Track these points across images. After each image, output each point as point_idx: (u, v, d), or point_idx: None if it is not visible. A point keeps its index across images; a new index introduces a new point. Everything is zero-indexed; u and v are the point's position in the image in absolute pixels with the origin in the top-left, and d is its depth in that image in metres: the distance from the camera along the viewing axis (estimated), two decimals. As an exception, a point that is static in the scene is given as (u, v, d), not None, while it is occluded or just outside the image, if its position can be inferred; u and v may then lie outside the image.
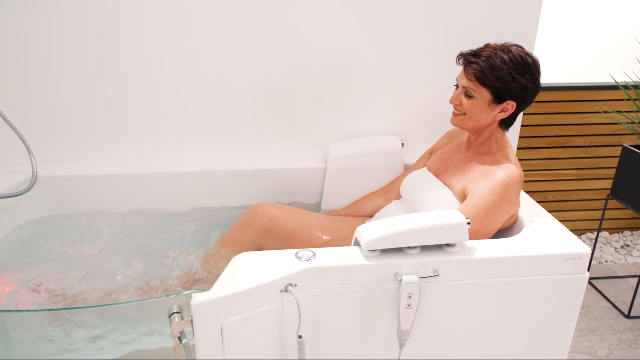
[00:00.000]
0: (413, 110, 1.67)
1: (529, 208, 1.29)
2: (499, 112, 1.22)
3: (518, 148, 2.16)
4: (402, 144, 1.62)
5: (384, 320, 1.08)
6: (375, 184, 1.59)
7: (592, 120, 2.14)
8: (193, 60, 1.54)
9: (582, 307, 1.83)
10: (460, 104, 1.24)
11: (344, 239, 1.41)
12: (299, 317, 0.99)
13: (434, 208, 1.25)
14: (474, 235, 1.17)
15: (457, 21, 1.58)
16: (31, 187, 1.48)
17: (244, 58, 1.56)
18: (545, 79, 2.06)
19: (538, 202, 2.29)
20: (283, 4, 1.50)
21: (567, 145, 2.19)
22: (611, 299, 1.87)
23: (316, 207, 1.65)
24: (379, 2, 1.53)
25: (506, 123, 1.26)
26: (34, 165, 1.50)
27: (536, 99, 2.01)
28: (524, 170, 2.22)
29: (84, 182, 1.56)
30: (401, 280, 1.02)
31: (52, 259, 1.37)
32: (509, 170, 1.18)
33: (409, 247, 1.06)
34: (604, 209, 1.94)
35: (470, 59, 1.20)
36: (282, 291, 0.99)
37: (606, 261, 2.19)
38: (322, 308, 1.05)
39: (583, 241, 2.34)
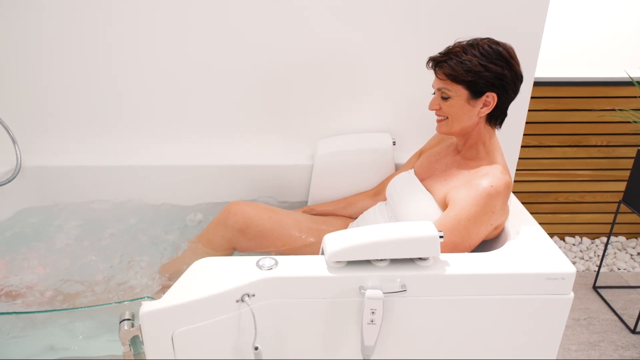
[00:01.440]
0: (406, 107, 1.58)
1: (518, 218, 1.20)
2: (481, 108, 1.14)
3: (527, 146, 2.05)
4: (394, 142, 1.54)
5: (349, 334, 1.03)
6: (364, 183, 1.52)
7: (610, 118, 2.00)
8: (184, 55, 1.50)
9: (584, 319, 1.73)
10: (440, 108, 1.16)
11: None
12: (255, 328, 0.95)
13: (414, 216, 1.18)
14: (454, 247, 1.09)
15: (455, 17, 1.47)
16: (14, 177, 1.48)
17: (235, 53, 1.50)
18: (559, 73, 1.93)
19: (549, 203, 2.18)
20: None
21: (581, 144, 2.06)
22: (618, 311, 1.76)
23: (303, 205, 1.60)
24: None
25: (494, 119, 1.17)
26: (18, 155, 1.50)
27: (548, 95, 1.93)
28: (533, 170, 2.13)
29: (68, 173, 1.55)
30: (365, 294, 0.96)
31: (29, 250, 1.37)
32: (494, 179, 1.09)
33: (377, 259, 1.00)
34: (616, 213, 1.82)
35: (438, 59, 1.14)
36: (238, 301, 0.95)
37: (618, 269, 2.06)
38: (284, 318, 1.01)
39: (597, 246, 2.22)
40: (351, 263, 1.00)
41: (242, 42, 1.49)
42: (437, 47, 1.48)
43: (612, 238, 2.26)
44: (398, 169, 1.55)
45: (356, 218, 1.45)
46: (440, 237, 0.97)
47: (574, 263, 2.09)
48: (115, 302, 0.94)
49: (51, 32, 1.46)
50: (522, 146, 2.04)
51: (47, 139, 1.59)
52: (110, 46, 1.48)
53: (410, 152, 1.53)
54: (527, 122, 1.99)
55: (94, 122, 1.58)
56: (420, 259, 1.01)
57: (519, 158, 2.06)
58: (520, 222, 1.19)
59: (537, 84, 1.92)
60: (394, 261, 1.01)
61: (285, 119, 1.60)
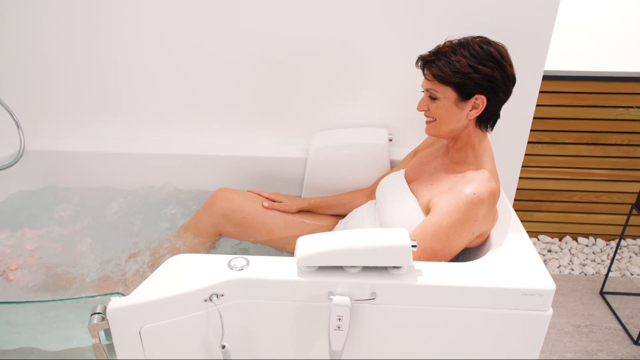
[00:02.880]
0: (405, 104, 1.52)
1: (506, 226, 1.16)
2: (470, 111, 1.09)
3: (540, 142, 1.96)
4: (391, 138, 1.50)
5: (319, 337, 1.03)
6: (358, 178, 1.49)
7: (630, 116, 1.88)
8: (185, 48, 1.51)
9: (585, 326, 1.67)
10: (428, 109, 1.12)
11: (308, 233, 1.35)
12: (222, 328, 0.96)
13: (397, 219, 1.16)
14: (434, 254, 1.07)
15: (457, 12, 1.40)
16: (17, 160, 1.52)
17: (235, 46, 1.49)
18: (575, 66, 1.82)
19: (562, 201, 2.09)
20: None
21: (599, 142, 1.95)
22: (623, 320, 1.69)
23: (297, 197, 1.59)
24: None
25: (485, 122, 1.12)
26: (22, 139, 1.55)
27: (563, 90, 1.83)
28: (546, 167, 2.03)
29: (69, 158, 1.59)
30: (332, 301, 0.95)
31: (26, 230, 1.42)
32: (478, 186, 1.05)
33: (349, 266, 0.98)
34: (629, 216, 1.73)
35: (427, 59, 1.08)
36: (206, 300, 0.96)
37: (631, 274, 1.97)
38: (255, 318, 1.01)
39: (611, 248, 2.13)
40: (322, 268, 0.99)
41: (242, 35, 1.47)
42: (440, 41, 1.43)
43: (630, 241, 2.16)
44: (394, 165, 1.52)
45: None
46: (413, 246, 0.95)
47: (584, 265, 2.01)
48: (86, 297, 0.96)
49: (57, 19, 1.48)
50: (534, 142, 1.96)
51: (50, 125, 1.63)
52: (113, 37, 1.49)
53: (408, 149, 1.49)
54: (540, 118, 1.91)
55: (95, 110, 1.61)
56: (393, 267, 0.99)
57: (531, 154, 1.99)
58: (508, 230, 1.14)
59: (552, 77, 1.82)
60: (366, 268, 0.99)
61: (283, 111, 1.58)
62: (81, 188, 1.60)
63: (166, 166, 1.58)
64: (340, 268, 0.99)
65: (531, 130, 1.94)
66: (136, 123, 1.62)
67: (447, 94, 1.08)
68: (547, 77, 1.82)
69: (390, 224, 1.17)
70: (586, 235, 2.17)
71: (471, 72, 1.04)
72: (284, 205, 1.38)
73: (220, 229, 1.34)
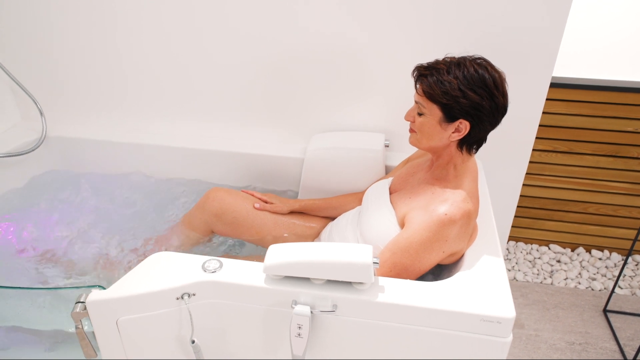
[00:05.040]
0: (405, 110, 1.49)
1: (485, 246, 1.15)
2: (452, 132, 1.08)
3: (554, 151, 1.89)
4: (387, 144, 1.50)
5: (284, 340, 1.08)
6: (352, 181, 1.51)
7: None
8: (195, 48, 1.56)
9: (579, 344, 1.64)
10: (414, 121, 1.11)
11: (297, 234, 1.41)
12: (192, 325, 1.04)
13: (374, 229, 1.18)
14: (404, 269, 1.09)
15: (465, 20, 1.36)
16: (39, 145, 1.64)
17: (241, 45, 1.53)
18: (594, 74, 1.73)
19: (577, 212, 2.03)
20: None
21: (619, 154, 1.86)
22: (621, 341, 1.65)
23: (294, 197, 1.63)
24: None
25: (468, 145, 1.11)
26: (44, 126, 1.66)
27: (581, 99, 1.75)
28: (560, 177, 1.96)
29: (87, 144, 1.70)
30: (293, 309, 1.00)
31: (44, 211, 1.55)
32: (451, 207, 1.05)
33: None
34: (639, 231, 1.65)
35: (421, 72, 1.07)
36: (178, 298, 1.03)
37: (643, 292, 1.90)
38: (225, 318, 1.08)
39: (627, 264, 2.05)
40: (289, 277, 1.03)
41: (250, 37, 1.50)
42: (446, 50, 1.40)
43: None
44: (389, 171, 1.52)
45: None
46: (375, 263, 0.98)
47: (592, 280, 1.96)
48: (70, 287, 1.06)
49: (78, 14, 1.56)
50: (550, 151, 1.90)
51: (70, 114, 1.74)
52: (130, 37, 1.57)
53: (405, 155, 1.49)
54: (556, 127, 1.84)
55: (111, 101, 1.71)
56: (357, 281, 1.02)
57: (546, 163, 1.93)
58: (485, 251, 1.14)
59: (570, 86, 1.74)
60: (330, 280, 1.03)
61: (285, 111, 1.61)
62: (95, 173, 1.72)
63: (172, 158, 1.66)
64: (306, 278, 1.03)
65: (546, 139, 1.88)
66: (147, 116, 1.70)
67: (433, 112, 1.07)
68: (564, 85, 1.74)
69: (367, 234, 1.19)
70: (601, 249, 2.10)
71: (459, 96, 1.03)
72: (274, 206, 1.43)
73: (212, 227, 1.41)
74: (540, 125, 1.85)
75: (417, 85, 1.10)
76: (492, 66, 1.06)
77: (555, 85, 1.76)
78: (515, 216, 2.08)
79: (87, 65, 1.65)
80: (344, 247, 1.00)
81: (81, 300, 1.04)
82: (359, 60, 1.49)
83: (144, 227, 1.53)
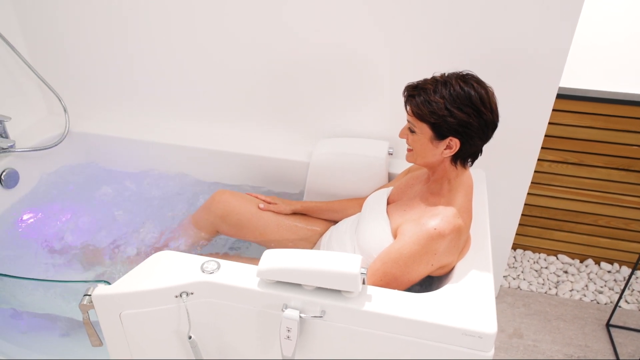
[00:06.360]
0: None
1: (476, 262, 1.17)
2: (444, 149, 1.10)
3: (566, 162, 1.88)
4: (391, 152, 1.53)
5: (276, 341, 1.13)
6: (355, 187, 1.55)
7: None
8: (204, 54, 1.62)
9: (578, 357, 1.64)
10: (408, 138, 1.14)
11: (299, 236, 1.46)
12: (189, 321, 1.10)
13: (368, 238, 1.22)
14: (394, 279, 1.13)
15: (471, 29, 1.37)
16: (62, 140, 1.74)
17: (250, 45, 1.56)
18: (607, 87, 1.70)
19: (587, 224, 2.01)
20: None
21: (631, 168, 1.83)
22: (622, 357, 1.64)
23: (299, 199, 1.68)
24: (391, 4, 1.39)
25: (462, 159, 1.13)
26: (67, 122, 1.76)
27: (594, 111, 1.73)
28: (571, 188, 1.95)
29: (108, 140, 1.79)
30: (283, 313, 1.05)
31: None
32: (441, 222, 1.08)
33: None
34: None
35: (410, 92, 1.09)
36: (177, 296, 1.10)
37: (650, 308, 1.88)
38: (221, 316, 1.14)
39: (636, 277, 2.02)
40: (281, 282, 1.09)
41: (261, 37, 1.54)
42: (450, 55, 1.42)
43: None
44: (392, 178, 1.55)
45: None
46: (363, 273, 1.02)
47: (599, 293, 1.94)
48: (75, 281, 1.14)
49: (101, 20, 1.64)
50: (560, 162, 1.89)
51: (92, 111, 1.83)
52: (148, 39, 1.64)
53: (408, 164, 1.52)
54: (567, 138, 1.83)
55: (130, 101, 1.79)
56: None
57: (556, 173, 1.92)
58: (476, 266, 1.16)
59: (583, 98, 1.73)
60: (320, 287, 1.07)
61: (292, 116, 1.66)
62: (114, 169, 1.81)
63: (184, 157, 1.73)
64: (297, 284, 1.08)
65: (557, 150, 1.87)
66: (161, 116, 1.78)
67: (424, 130, 1.10)
68: (576, 97, 1.73)
69: (363, 243, 1.23)
70: (610, 261, 2.07)
71: (447, 116, 1.05)
72: (277, 206, 1.48)
73: (217, 227, 1.48)
74: (551, 136, 1.84)
75: (407, 106, 1.13)
76: (480, 82, 1.07)
77: (567, 97, 1.74)
78: (523, 225, 2.08)
79: (108, 67, 1.73)
80: (334, 256, 1.05)
81: (88, 294, 1.12)
82: (366, 68, 1.51)
83: (155, 222, 1.61)
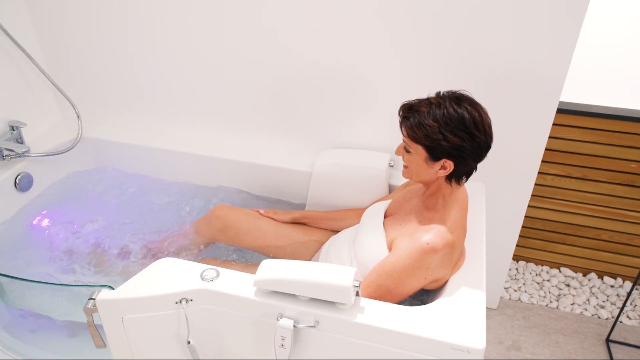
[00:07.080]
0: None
1: (470, 277, 1.19)
2: (439, 169, 1.12)
3: (569, 176, 1.88)
4: (392, 165, 1.55)
5: (271, 349, 1.17)
6: (355, 199, 1.58)
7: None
8: (218, 67, 1.66)
9: (575, 372, 1.64)
10: (403, 157, 1.17)
11: (297, 245, 1.49)
12: (187, 327, 1.14)
13: (365, 250, 1.24)
14: (387, 291, 1.15)
15: (472, 44, 1.39)
16: (75, 145, 1.80)
17: (257, 59, 1.60)
18: (611, 102, 1.71)
19: (590, 238, 2.01)
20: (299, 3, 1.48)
21: (635, 184, 1.83)
22: (620, 373, 1.64)
23: (301, 208, 1.71)
24: (393, 19, 1.42)
25: (456, 178, 1.15)
26: (80, 128, 1.82)
27: (598, 127, 1.74)
28: (574, 202, 1.95)
29: (118, 146, 1.85)
30: (278, 322, 1.08)
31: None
32: (435, 236, 1.10)
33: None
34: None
35: (405, 113, 1.11)
36: (177, 303, 1.14)
37: (653, 325, 1.87)
38: (220, 322, 1.18)
39: (639, 293, 2.01)
40: (276, 292, 1.12)
41: (263, 49, 1.58)
42: (450, 70, 1.44)
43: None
44: (393, 190, 1.58)
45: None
46: (355, 286, 1.05)
47: (601, 307, 1.94)
48: (80, 285, 1.18)
49: (114, 26, 1.70)
50: (563, 176, 1.89)
51: (104, 117, 1.89)
52: (164, 44, 1.69)
53: (408, 176, 1.54)
54: (571, 152, 1.83)
55: (141, 109, 1.85)
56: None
57: (559, 187, 1.92)
58: (469, 281, 1.18)
59: (587, 114, 1.73)
60: (314, 298, 1.10)
61: (297, 126, 1.69)
62: (124, 174, 1.87)
63: (189, 164, 1.78)
64: (292, 294, 1.11)
65: (560, 164, 1.87)
66: (171, 124, 1.83)
67: (419, 151, 1.13)
68: (580, 113, 1.73)
69: (359, 254, 1.26)
70: (614, 276, 2.07)
71: (440, 139, 1.07)
72: (277, 213, 1.53)
73: (217, 238, 1.54)
74: (554, 150, 1.85)
75: (402, 127, 1.15)
76: (473, 104, 1.09)
77: (570, 112, 1.75)
78: (527, 237, 2.08)
79: (122, 77, 1.79)
80: (328, 268, 1.08)
81: (92, 297, 1.17)
82: (369, 82, 1.54)
83: (159, 227, 1.66)
